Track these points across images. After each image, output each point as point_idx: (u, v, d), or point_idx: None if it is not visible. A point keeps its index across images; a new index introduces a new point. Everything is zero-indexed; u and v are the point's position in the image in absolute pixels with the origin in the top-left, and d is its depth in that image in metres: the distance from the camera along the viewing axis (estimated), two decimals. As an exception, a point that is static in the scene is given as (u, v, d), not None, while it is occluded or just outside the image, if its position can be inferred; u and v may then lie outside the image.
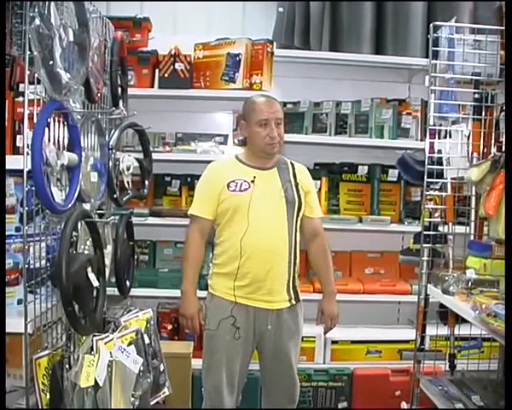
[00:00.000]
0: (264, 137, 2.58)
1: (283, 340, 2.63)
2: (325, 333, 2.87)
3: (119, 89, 2.59)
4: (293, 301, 2.63)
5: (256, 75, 3.48)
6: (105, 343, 2.04)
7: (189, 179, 3.77)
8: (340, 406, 3.53)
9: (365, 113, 3.70)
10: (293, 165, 2.73)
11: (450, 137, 3.09)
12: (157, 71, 3.55)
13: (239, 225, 2.55)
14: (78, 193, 2.05)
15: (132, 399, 2.11)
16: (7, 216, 2.00)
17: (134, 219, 2.74)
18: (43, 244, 2.03)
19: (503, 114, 2.91)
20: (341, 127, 3.74)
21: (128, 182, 2.56)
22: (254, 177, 2.59)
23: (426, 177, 3.02)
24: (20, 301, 2.00)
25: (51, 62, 1.79)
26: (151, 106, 3.45)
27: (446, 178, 3.05)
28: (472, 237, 3.04)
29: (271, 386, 2.73)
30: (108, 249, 2.44)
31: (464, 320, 2.63)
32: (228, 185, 2.58)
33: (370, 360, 3.62)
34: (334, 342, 3.57)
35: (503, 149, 2.69)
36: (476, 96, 2.99)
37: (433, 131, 3.05)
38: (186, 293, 2.64)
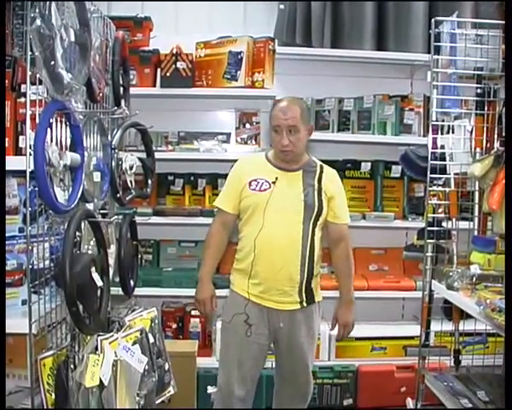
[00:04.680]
0: (277, 143, 2.58)
1: (297, 338, 2.63)
2: (337, 340, 2.87)
3: (121, 88, 2.58)
4: (305, 304, 2.62)
5: (258, 73, 3.48)
6: (110, 343, 2.04)
7: (192, 178, 3.77)
8: (345, 402, 3.53)
9: (368, 109, 3.70)
10: (322, 168, 2.68)
11: (452, 132, 3.08)
12: (159, 70, 3.54)
13: (255, 223, 2.57)
14: (81, 193, 2.05)
15: (137, 398, 2.11)
16: (10, 217, 1.99)
17: (137, 219, 2.74)
18: (47, 245, 2.03)
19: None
20: (344, 124, 3.74)
21: (131, 181, 2.56)
22: (276, 178, 2.59)
23: (429, 172, 3.02)
24: (24, 302, 1.99)
25: (53, 63, 1.79)
26: (153, 105, 3.45)
27: (449, 174, 3.04)
28: (476, 233, 3.04)
29: (285, 382, 2.75)
30: (112, 249, 2.44)
31: (469, 316, 2.64)
32: (250, 183, 2.60)
33: (375, 356, 3.61)
34: (338, 339, 3.57)
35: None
36: (479, 90, 2.99)
37: (435, 126, 3.05)
38: (202, 279, 2.71)
